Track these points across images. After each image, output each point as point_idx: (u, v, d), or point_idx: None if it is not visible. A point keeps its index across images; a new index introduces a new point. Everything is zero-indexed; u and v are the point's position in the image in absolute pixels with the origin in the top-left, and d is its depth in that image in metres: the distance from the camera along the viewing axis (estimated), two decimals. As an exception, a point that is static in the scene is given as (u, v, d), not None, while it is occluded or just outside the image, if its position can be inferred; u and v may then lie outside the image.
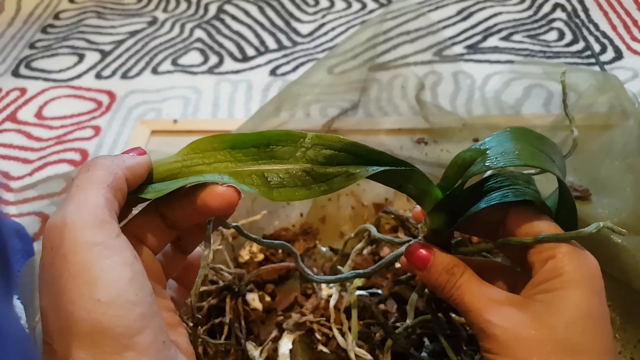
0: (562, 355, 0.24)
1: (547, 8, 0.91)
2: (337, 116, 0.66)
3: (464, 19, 0.90)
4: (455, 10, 0.92)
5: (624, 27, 0.85)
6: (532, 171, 0.31)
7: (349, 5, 0.95)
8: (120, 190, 0.24)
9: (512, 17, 0.89)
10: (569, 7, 0.90)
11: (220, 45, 0.89)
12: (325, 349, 0.42)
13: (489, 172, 0.30)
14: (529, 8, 0.91)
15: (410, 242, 0.31)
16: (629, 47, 0.81)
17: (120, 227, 0.26)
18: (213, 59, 0.86)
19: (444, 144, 0.63)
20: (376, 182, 0.29)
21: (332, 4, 0.96)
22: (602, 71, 0.76)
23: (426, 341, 0.41)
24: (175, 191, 0.26)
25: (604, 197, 0.53)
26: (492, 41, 0.85)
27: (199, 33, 0.91)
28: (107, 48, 0.89)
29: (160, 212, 0.27)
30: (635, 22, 0.86)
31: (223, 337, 0.43)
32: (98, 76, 0.83)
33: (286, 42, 0.88)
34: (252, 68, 0.84)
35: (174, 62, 0.85)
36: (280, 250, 0.51)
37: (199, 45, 0.89)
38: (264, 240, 0.30)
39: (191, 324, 0.29)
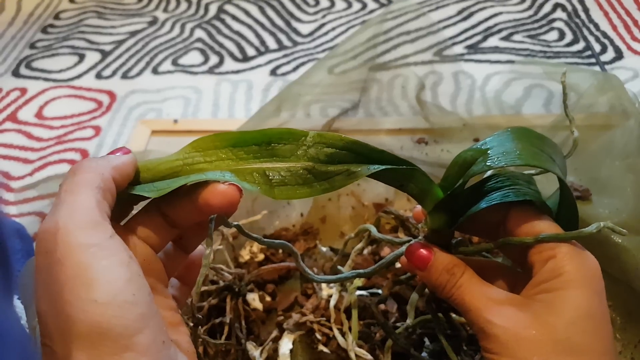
0: (562, 355, 0.24)
1: (547, 8, 0.91)
2: (338, 116, 0.66)
3: (464, 19, 0.90)
4: (456, 10, 0.92)
5: (625, 27, 0.85)
6: (533, 171, 0.31)
7: (349, 5, 0.95)
8: (110, 191, 0.24)
9: (512, 17, 0.89)
10: (569, 7, 0.90)
11: (221, 45, 0.89)
12: (325, 349, 0.42)
13: (489, 172, 0.30)
14: (529, 8, 0.91)
15: (411, 242, 0.31)
16: (629, 47, 0.81)
17: (121, 227, 0.26)
18: (213, 59, 0.86)
19: (444, 144, 0.63)
20: (376, 182, 0.29)
21: (333, 4, 0.96)
22: (602, 71, 0.76)
23: (426, 341, 0.41)
24: (176, 190, 0.26)
25: (605, 197, 0.53)
26: (493, 41, 0.85)
27: (199, 33, 0.91)
28: (108, 48, 0.89)
29: (161, 210, 0.27)
30: (635, 22, 0.86)
31: (223, 337, 0.43)
32: (98, 76, 0.83)
33: (286, 42, 0.88)
34: (252, 68, 0.84)
35: (174, 62, 0.85)
36: (280, 250, 0.51)
37: (199, 45, 0.89)
38: (265, 240, 0.30)
39: (191, 324, 0.29)
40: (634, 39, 0.83)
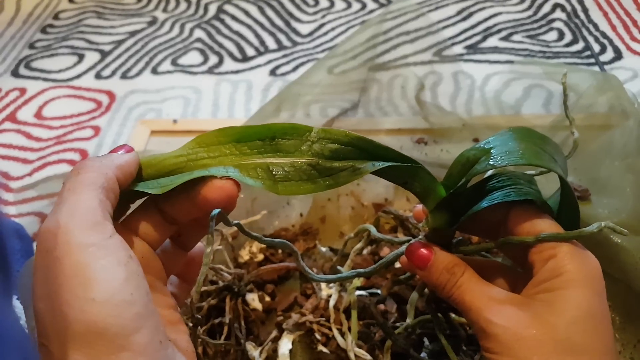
0: (562, 354, 0.24)
1: (546, 8, 0.91)
2: (337, 116, 0.66)
3: (464, 19, 0.90)
4: (455, 10, 0.92)
5: (624, 27, 0.85)
6: (533, 171, 0.31)
7: (349, 6, 0.95)
8: (113, 191, 0.24)
9: (512, 17, 0.89)
10: (568, 8, 0.90)
11: (220, 45, 0.89)
12: (325, 349, 0.42)
13: (490, 172, 0.30)
14: (529, 8, 0.91)
15: (411, 242, 0.31)
16: (628, 47, 0.81)
17: (118, 224, 0.26)
18: (213, 59, 0.86)
19: (444, 144, 0.63)
20: (376, 183, 0.29)
21: (332, 4, 0.96)
22: (601, 71, 0.76)
23: (426, 341, 0.41)
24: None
25: (604, 197, 0.53)
26: (492, 41, 0.85)
27: (198, 33, 0.91)
28: (107, 48, 0.89)
29: (159, 207, 0.27)
30: (634, 22, 0.86)
31: (223, 337, 0.43)
32: (98, 76, 0.83)
33: (286, 42, 0.88)
34: (252, 68, 0.84)
35: (174, 62, 0.85)
36: (280, 251, 0.51)
37: (198, 45, 0.89)
38: (265, 239, 0.30)
39: (191, 324, 0.29)
40: (633, 39, 0.83)
